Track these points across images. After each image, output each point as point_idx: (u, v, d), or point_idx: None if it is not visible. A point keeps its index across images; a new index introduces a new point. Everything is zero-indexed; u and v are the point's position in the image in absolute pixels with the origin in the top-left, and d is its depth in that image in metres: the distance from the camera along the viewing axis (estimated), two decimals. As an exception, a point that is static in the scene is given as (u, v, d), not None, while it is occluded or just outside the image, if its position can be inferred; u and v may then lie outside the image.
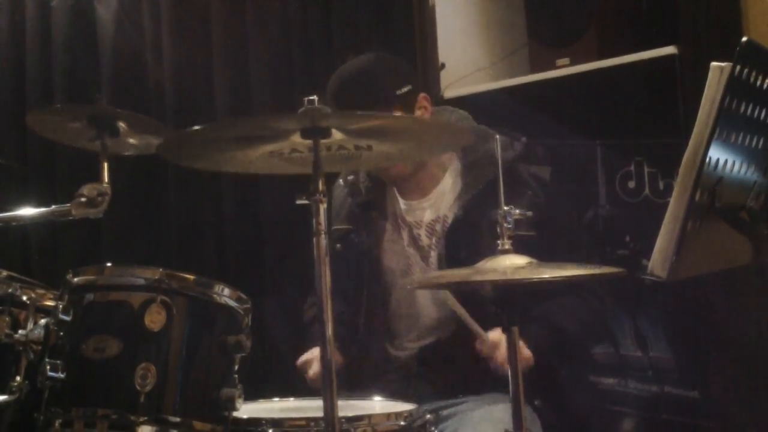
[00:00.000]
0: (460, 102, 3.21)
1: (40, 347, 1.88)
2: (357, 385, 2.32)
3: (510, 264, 1.74)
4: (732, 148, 1.54)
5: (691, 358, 2.78)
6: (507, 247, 1.78)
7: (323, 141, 1.73)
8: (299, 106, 1.65)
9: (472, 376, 2.28)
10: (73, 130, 2.12)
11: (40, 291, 2.08)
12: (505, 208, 1.79)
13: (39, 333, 1.89)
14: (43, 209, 2.08)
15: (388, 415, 1.92)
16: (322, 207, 1.70)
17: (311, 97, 1.65)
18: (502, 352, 2.09)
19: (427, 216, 2.44)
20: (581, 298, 2.32)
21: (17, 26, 3.22)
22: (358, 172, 2.46)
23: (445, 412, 2.26)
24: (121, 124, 2.08)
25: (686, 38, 2.79)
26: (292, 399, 2.25)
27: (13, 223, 2.08)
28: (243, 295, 1.92)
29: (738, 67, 1.45)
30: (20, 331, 1.91)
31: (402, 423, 1.90)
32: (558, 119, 3.07)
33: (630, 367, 2.88)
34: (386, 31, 3.33)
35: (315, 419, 1.82)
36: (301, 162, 1.82)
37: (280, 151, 1.80)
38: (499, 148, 1.86)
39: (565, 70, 3.19)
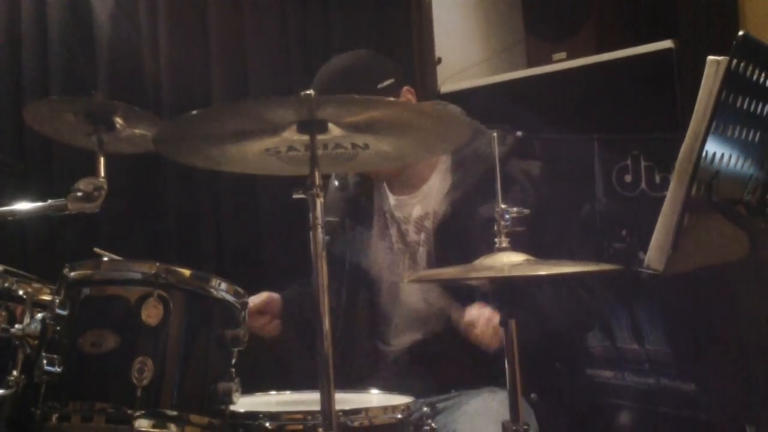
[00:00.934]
0: (456, 97, 3.22)
1: (36, 341, 1.87)
2: (348, 381, 2.32)
3: (507, 261, 1.75)
4: (729, 141, 1.54)
5: (688, 351, 2.79)
6: (504, 245, 1.78)
7: (320, 138, 1.73)
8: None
9: (465, 371, 2.28)
10: (70, 124, 2.12)
11: (37, 285, 2.07)
12: (503, 206, 1.80)
13: (36, 327, 1.88)
14: (39, 204, 2.08)
15: (385, 408, 1.93)
16: (319, 201, 1.70)
17: (308, 91, 1.65)
18: (480, 327, 2.13)
19: (416, 212, 2.44)
20: (569, 288, 2.32)
21: (13, 21, 3.21)
22: None
23: (440, 406, 2.27)
24: (118, 119, 2.08)
25: (683, 32, 2.80)
26: (289, 392, 2.25)
27: (10, 218, 2.07)
28: (240, 290, 1.92)
29: (735, 61, 1.46)
30: (17, 326, 1.90)
31: (399, 416, 1.91)
32: (555, 113, 3.08)
33: (627, 360, 2.89)
34: (383, 25, 3.33)
35: (312, 412, 1.82)
36: (297, 161, 1.82)
37: (276, 149, 1.80)
38: (496, 145, 1.85)
39: (562, 64, 3.20)
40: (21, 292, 2.01)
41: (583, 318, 2.48)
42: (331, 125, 1.73)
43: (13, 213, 2.08)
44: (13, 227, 3.10)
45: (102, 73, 3.25)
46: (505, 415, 1.78)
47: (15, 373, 1.87)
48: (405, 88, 2.43)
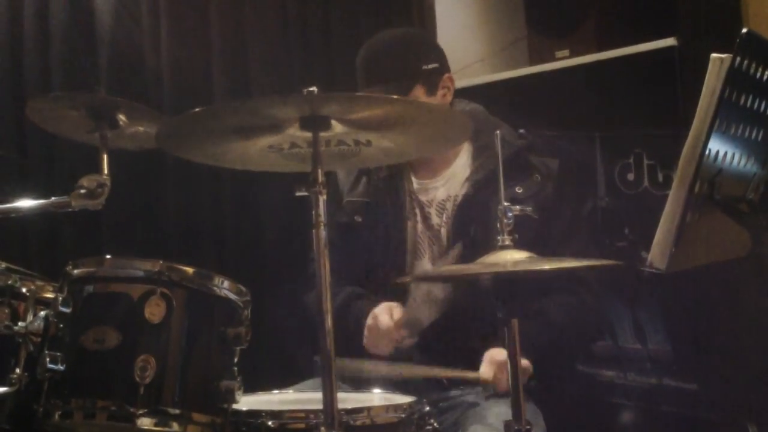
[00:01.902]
0: (458, 94, 3.20)
1: (39, 339, 1.87)
2: (356, 379, 2.32)
3: (510, 258, 1.75)
4: (731, 139, 1.54)
5: (690, 350, 2.79)
6: (507, 243, 1.78)
7: (323, 135, 1.73)
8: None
9: (474, 366, 2.28)
10: (73, 121, 2.12)
11: (40, 283, 2.07)
12: (506, 203, 1.80)
13: (38, 325, 1.88)
14: (42, 201, 2.08)
15: (388, 408, 1.93)
16: (322, 199, 1.70)
17: (311, 88, 1.65)
18: (500, 385, 2.18)
19: (439, 195, 2.47)
20: (577, 294, 2.34)
21: (15, 17, 3.21)
22: None
23: (445, 404, 2.27)
24: (120, 116, 2.08)
25: (686, 30, 2.79)
26: (291, 391, 2.25)
27: (12, 215, 2.07)
28: (243, 288, 1.91)
29: (738, 59, 1.45)
30: (20, 323, 1.91)
31: (402, 415, 1.90)
32: (557, 111, 3.07)
33: (629, 359, 2.88)
34: (385, 22, 3.32)
35: (314, 411, 1.82)
36: (300, 158, 1.82)
37: (279, 146, 1.80)
38: (499, 143, 1.86)
39: (564, 62, 3.20)
40: (24, 290, 2.01)
41: (592, 329, 2.51)
42: (333, 122, 1.73)
43: (15, 210, 2.08)
44: (16, 224, 3.10)
45: (104, 70, 3.25)
46: (510, 413, 1.78)
47: (18, 370, 1.88)
48: (447, 75, 2.47)
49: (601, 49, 3.09)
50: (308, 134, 1.73)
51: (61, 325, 1.84)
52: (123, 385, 1.76)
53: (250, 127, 1.75)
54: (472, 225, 2.34)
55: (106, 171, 2.05)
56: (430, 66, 2.43)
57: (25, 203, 2.09)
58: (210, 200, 3.32)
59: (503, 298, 1.76)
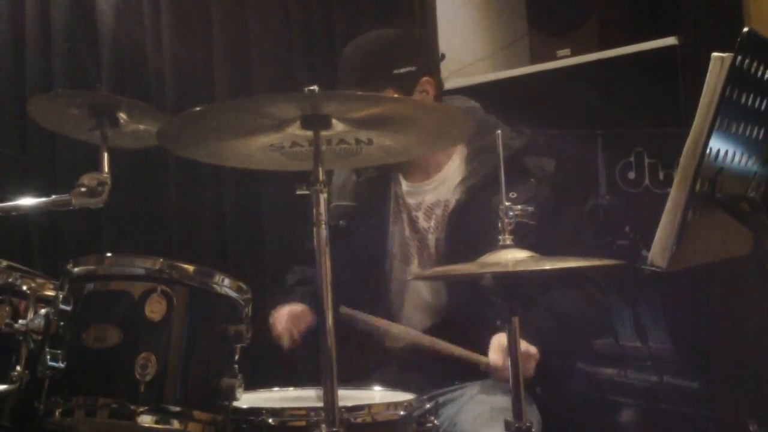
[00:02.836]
0: (459, 93, 3.20)
1: (40, 337, 1.88)
2: (352, 375, 2.32)
3: (512, 257, 1.75)
4: (733, 138, 1.54)
5: (691, 348, 2.79)
6: (508, 242, 1.78)
7: (324, 133, 1.73)
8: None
9: (467, 371, 2.28)
10: (74, 119, 2.12)
11: (41, 281, 2.07)
12: (507, 203, 1.80)
13: (39, 322, 1.89)
14: (43, 199, 2.08)
15: (388, 405, 1.93)
16: (323, 197, 1.70)
17: (312, 87, 1.65)
18: (506, 372, 2.14)
19: (428, 199, 2.45)
20: (584, 290, 2.33)
21: (17, 15, 3.21)
22: None
23: (441, 399, 2.27)
24: (121, 114, 2.08)
25: (687, 29, 2.78)
26: (292, 389, 2.25)
27: (13, 213, 2.08)
28: (243, 285, 1.92)
29: (739, 58, 1.45)
30: (20, 321, 1.91)
31: (402, 412, 1.90)
32: (558, 110, 3.07)
33: (629, 357, 2.88)
34: (387, 20, 3.32)
35: (315, 409, 1.82)
36: (301, 157, 1.82)
37: (280, 145, 1.80)
38: (500, 143, 1.85)
39: (565, 60, 3.19)
40: (25, 288, 2.01)
41: (597, 322, 2.50)
42: (334, 121, 1.73)
43: (16, 208, 2.08)
44: (17, 222, 3.11)
45: (105, 68, 3.25)
46: (509, 407, 1.78)
47: (18, 368, 1.88)
48: (424, 78, 2.41)
49: (602, 48, 3.09)
50: (309, 133, 1.73)
51: (62, 323, 1.84)
52: (124, 382, 1.77)
53: (251, 126, 1.76)
54: (463, 236, 2.31)
55: (106, 169, 2.05)
56: (404, 70, 2.37)
57: (26, 201, 2.09)
58: (211, 198, 3.32)
59: (505, 297, 1.76)
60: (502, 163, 1.83)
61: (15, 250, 3.07)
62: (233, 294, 1.90)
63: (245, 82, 3.34)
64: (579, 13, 3.23)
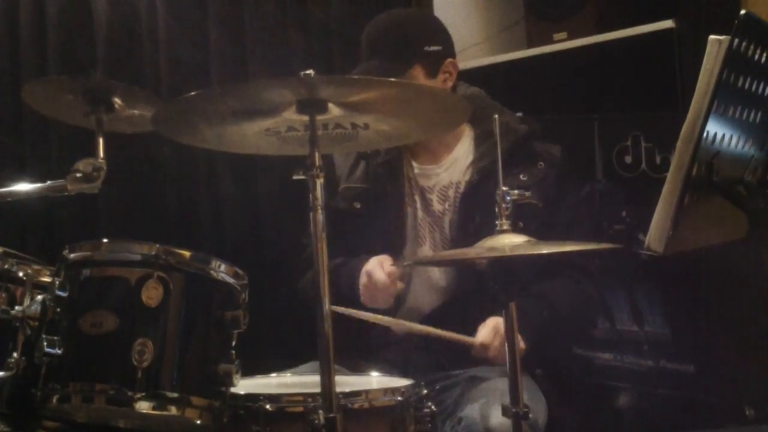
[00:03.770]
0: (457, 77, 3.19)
1: (37, 323, 1.87)
2: (356, 358, 2.33)
3: (508, 242, 1.75)
4: (729, 122, 1.53)
5: (687, 332, 2.79)
6: (506, 227, 1.78)
7: (320, 118, 1.73)
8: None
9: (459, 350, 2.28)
10: (69, 104, 2.11)
11: (37, 267, 2.07)
12: (504, 188, 1.79)
13: (36, 309, 1.88)
14: (38, 185, 2.07)
15: (385, 391, 1.93)
16: (319, 182, 1.70)
17: (308, 71, 1.64)
18: (492, 351, 2.17)
19: (440, 181, 2.46)
20: (574, 281, 2.34)
21: (11, 0, 3.20)
22: None
23: (443, 384, 2.27)
24: (116, 99, 2.08)
25: (684, 12, 2.78)
26: (289, 375, 2.25)
27: (9, 199, 2.07)
28: (240, 271, 1.91)
29: (736, 41, 1.45)
30: (17, 307, 1.90)
31: (399, 398, 1.90)
32: (555, 94, 3.07)
33: (626, 341, 2.89)
34: (384, 5, 3.30)
35: (312, 395, 1.82)
36: (297, 141, 1.81)
37: (276, 129, 1.80)
38: (497, 129, 1.86)
39: (562, 44, 3.19)
40: (21, 274, 2.01)
41: (590, 315, 2.51)
42: (330, 105, 1.73)
43: (12, 194, 2.08)
44: (13, 208, 3.09)
45: (100, 53, 3.24)
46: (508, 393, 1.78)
47: (15, 354, 1.88)
48: (449, 60, 2.44)
49: (599, 31, 3.08)
50: (305, 117, 1.73)
51: (59, 309, 1.83)
52: (121, 368, 1.76)
53: (247, 111, 1.75)
54: (477, 212, 2.33)
55: (102, 155, 2.05)
56: (433, 48, 2.40)
57: (22, 187, 2.08)
58: (208, 184, 3.32)
59: (501, 281, 1.76)
60: (499, 147, 1.83)
61: (11, 237, 3.06)
62: (230, 280, 1.89)
63: (241, 67, 3.32)
64: (576, -4, 3.22)
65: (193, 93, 1.70)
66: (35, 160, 3.18)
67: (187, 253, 1.86)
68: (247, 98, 1.75)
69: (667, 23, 2.82)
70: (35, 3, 3.21)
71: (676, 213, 1.51)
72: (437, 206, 2.44)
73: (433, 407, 1.95)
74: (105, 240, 1.90)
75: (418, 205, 2.46)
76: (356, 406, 1.86)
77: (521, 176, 2.31)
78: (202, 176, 3.31)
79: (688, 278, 2.66)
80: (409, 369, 2.23)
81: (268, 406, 1.84)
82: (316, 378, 1.68)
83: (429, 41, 2.41)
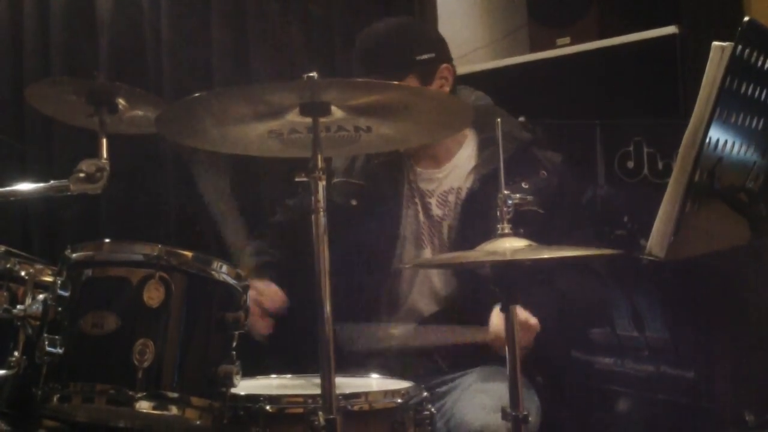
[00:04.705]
0: (458, 81, 3.20)
1: (38, 322, 1.87)
2: (351, 363, 2.33)
3: (509, 246, 1.75)
4: (732, 128, 1.53)
5: (688, 338, 2.79)
6: (507, 231, 1.78)
7: (322, 120, 1.73)
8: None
9: (470, 351, 2.28)
10: (72, 105, 2.11)
11: (39, 266, 2.07)
12: (505, 192, 1.80)
13: (37, 308, 1.88)
14: (41, 185, 2.07)
15: (385, 393, 1.93)
16: (321, 184, 1.70)
17: (311, 74, 1.65)
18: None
19: (441, 186, 2.46)
20: (584, 276, 2.34)
21: (15, 1, 3.20)
22: None
23: (443, 388, 2.27)
24: (120, 100, 2.08)
25: (687, 18, 2.79)
26: (289, 376, 2.25)
27: (12, 199, 2.07)
28: (241, 272, 1.92)
29: (739, 47, 1.45)
30: (18, 307, 1.90)
31: (399, 400, 1.91)
32: (558, 99, 3.07)
33: (627, 347, 2.89)
34: (386, 8, 3.31)
35: (312, 396, 1.82)
36: (300, 144, 1.81)
37: (279, 131, 1.80)
38: (500, 133, 1.86)
39: (565, 49, 3.19)
40: (23, 273, 2.01)
41: (597, 306, 2.51)
42: (333, 108, 1.73)
43: (15, 194, 2.08)
44: (15, 208, 3.10)
45: (104, 55, 3.24)
46: (507, 396, 1.78)
47: (16, 353, 1.88)
48: (444, 65, 2.43)
49: (602, 36, 3.09)
50: (308, 120, 1.73)
51: (60, 309, 1.84)
52: (121, 369, 1.76)
53: (250, 113, 1.75)
54: (477, 220, 2.32)
55: (105, 155, 2.05)
56: (425, 56, 2.39)
57: (25, 187, 2.08)
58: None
59: (502, 286, 1.77)
60: (501, 151, 1.84)
61: (13, 236, 3.07)
62: (231, 281, 1.89)
63: (244, 69, 3.33)
64: (579, 2, 3.23)
65: (196, 95, 1.70)
66: (38, 160, 3.18)
67: (188, 254, 1.86)
68: (250, 100, 1.76)
69: (670, 29, 2.83)
70: (39, 4, 3.21)
71: (678, 219, 1.51)
72: (436, 211, 2.44)
73: (432, 410, 1.96)
74: (107, 240, 1.90)
75: (419, 208, 2.46)
76: (356, 407, 1.87)
77: (523, 184, 2.31)
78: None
79: (689, 284, 2.67)
80: (407, 372, 2.23)
81: (268, 407, 1.85)
82: (317, 379, 1.68)
83: (420, 50, 2.39)
